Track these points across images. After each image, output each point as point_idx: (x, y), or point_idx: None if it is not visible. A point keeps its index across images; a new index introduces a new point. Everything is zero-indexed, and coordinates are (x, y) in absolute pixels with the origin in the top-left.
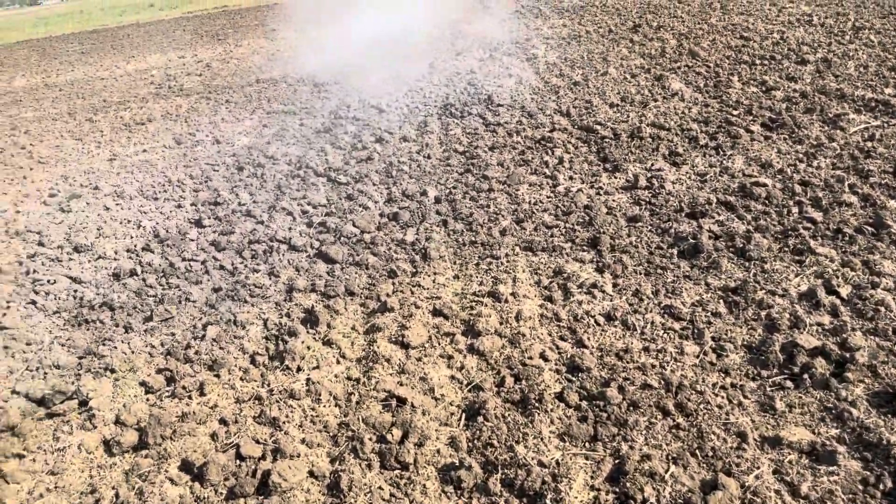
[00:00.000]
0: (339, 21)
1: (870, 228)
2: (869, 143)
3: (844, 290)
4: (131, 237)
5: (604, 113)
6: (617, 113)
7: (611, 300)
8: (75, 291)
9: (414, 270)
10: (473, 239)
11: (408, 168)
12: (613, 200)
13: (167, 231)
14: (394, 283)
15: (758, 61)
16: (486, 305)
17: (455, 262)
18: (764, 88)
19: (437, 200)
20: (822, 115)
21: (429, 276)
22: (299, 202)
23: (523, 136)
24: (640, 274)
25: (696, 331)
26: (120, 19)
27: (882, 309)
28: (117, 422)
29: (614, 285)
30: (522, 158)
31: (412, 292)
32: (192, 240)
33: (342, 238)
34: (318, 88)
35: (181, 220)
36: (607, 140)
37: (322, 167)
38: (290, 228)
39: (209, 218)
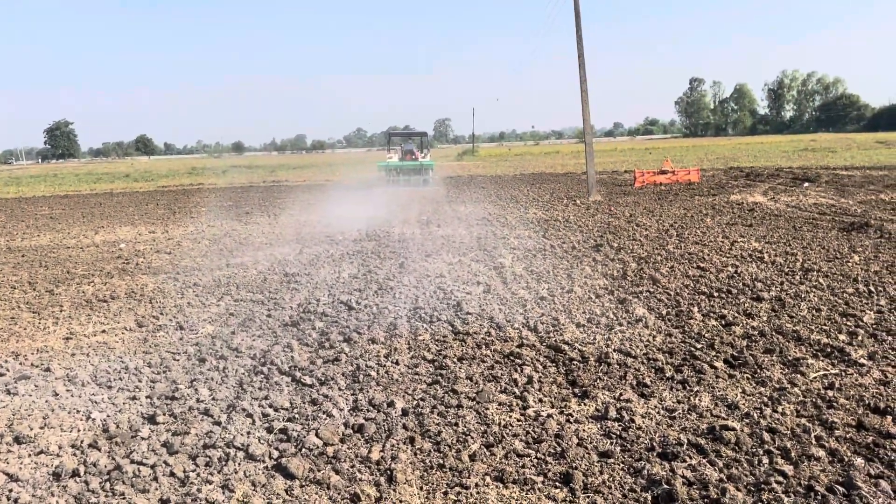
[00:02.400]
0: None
1: (840, 488)
2: (829, 392)
3: None
4: (79, 430)
5: (570, 332)
6: (583, 333)
7: None
8: (10, 491)
9: (378, 495)
10: (441, 462)
11: (375, 374)
12: (584, 430)
13: (118, 426)
14: None
15: (715, 293)
16: None
17: (422, 489)
18: (724, 323)
19: (405, 413)
20: (782, 357)
21: (394, 503)
22: (261, 403)
23: (492, 349)
24: None
25: None
26: (94, 186)
27: None
28: None
29: None
30: (491, 374)
31: None
32: (144, 438)
33: (303, 449)
34: (287, 278)
35: (134, 415)
36: (575, 362)
37: (287, 365)
38: (248, 433)
39: (164, 414)
